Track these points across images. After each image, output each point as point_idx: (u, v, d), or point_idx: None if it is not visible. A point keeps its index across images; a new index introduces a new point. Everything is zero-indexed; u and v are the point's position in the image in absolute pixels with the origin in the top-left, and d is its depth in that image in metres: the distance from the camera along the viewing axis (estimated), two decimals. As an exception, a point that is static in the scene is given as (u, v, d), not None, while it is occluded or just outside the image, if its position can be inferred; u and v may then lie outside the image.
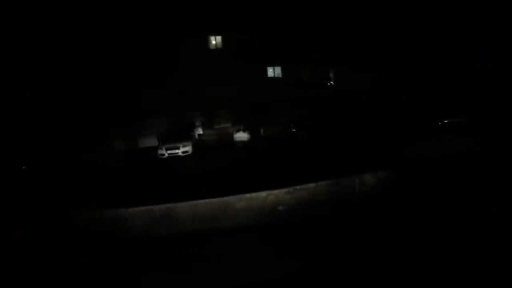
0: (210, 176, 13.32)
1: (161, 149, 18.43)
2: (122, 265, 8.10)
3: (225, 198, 9.35)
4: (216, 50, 25.06)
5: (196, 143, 20.08)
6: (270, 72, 23.99)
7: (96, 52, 21.65)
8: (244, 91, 22.98)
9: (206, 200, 9.37)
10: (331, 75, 24.33)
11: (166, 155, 18.15)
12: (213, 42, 25.54)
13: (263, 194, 9.21)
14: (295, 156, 15.12)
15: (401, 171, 10.53)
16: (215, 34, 25.31)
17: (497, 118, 13.21)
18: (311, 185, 9.37)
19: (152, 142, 21.90)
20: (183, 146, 18.29)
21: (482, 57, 17.14)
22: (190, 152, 18.35)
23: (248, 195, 9.31)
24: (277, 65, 23.77)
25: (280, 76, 23.94)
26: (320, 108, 21.41)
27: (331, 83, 25.09)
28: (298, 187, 9.24)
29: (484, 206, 8.64)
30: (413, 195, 9.57)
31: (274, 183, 9.58)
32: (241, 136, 20.50)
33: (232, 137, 20.86)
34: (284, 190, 9.20)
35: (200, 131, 23.25)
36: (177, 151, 18.18)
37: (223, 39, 25.18)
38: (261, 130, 21.32)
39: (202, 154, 18.57)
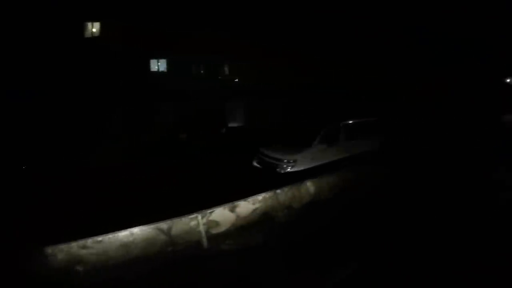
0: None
1: None
2: None
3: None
4: (93, 39, 21.20)
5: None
6: (154, 65, 20.74)
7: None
8: (122, 88, 19.51)
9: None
10: (226, 68, 21.93)
11: None
12: (91, 29, 21.64)
13: (48, 250, 6.39)
14: (157, 175, 12.37)
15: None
16: (93, 20, 21.44)
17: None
18: (124, 233, 6.73)
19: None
20: None
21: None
22: None
23: (27, 253, 6.43)
24: (163, 58, 20.58)
25: (165, 70, 20.81)
26: (211, 107, 19.02)
27: (235, 80, 22.86)
28: (100, 237, 6.55)
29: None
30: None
31: (76, 231, 6.84)
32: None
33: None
34: (78, 243, 6.44)
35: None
36: None
37: (102, 26, 21.41)
38: (140, 137, 18.19)
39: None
